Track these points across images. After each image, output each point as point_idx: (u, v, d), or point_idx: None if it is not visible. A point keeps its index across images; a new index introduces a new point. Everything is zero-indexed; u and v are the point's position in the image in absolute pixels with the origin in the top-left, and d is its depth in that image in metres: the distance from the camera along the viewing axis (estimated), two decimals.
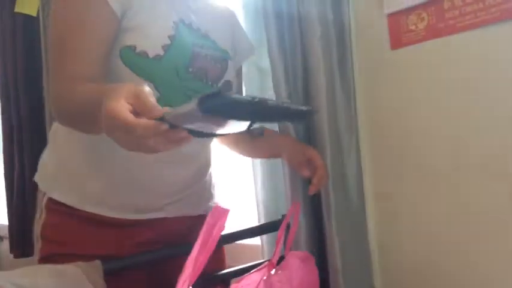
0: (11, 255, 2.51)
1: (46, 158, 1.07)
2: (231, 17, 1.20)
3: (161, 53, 0.94)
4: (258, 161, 1.39)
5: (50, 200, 1.01)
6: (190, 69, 0.99)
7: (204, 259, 0.80)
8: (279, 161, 1.36)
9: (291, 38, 1.33)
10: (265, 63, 1.36)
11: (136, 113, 0.65)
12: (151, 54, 0.93)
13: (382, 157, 1.30)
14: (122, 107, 0.65)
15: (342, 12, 1.29)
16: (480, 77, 1.11)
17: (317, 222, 1.31)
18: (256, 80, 1.41)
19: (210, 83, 1.04)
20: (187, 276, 0.77)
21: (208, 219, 0.81)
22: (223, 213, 0.86)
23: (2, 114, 2.58)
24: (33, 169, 1.08)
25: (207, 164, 1.15)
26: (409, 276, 1.26)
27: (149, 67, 0.93)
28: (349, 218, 1.27)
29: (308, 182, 1.16)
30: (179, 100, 0.97)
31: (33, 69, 2.38)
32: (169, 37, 0.96)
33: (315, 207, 1.31)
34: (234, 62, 1.13)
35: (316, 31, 1.27)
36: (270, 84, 1.34)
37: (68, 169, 1.02)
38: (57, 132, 1.06)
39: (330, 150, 1.26)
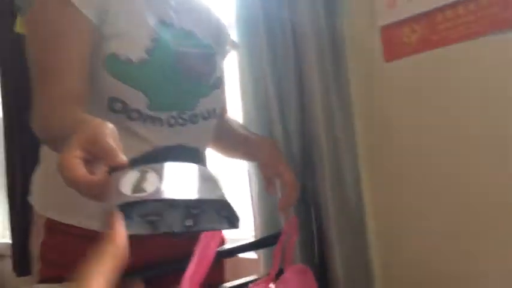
0: (14, 274, 2.51)
1: (37, 178, 1.04)
2: (212, 11, 1.17)
3: (146, 57, 0.92)
4: (253, 172, 1.39)
5: (49, 219, 0.98)
6: (178, 70, 0.97)
7: (200, 277, 0.80)
8: None
9: (284, 50, 1.33)
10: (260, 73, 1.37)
11: (95, 159, 0.63)
12: (135, 60, 0.91)
13: (381, 169, 1.31)
14: (72, 160, 0.61)
15: (335, 25, 1.30)
16: (474, 87, 1.12)
17: (312, 235, 1.32)
18: (250, 90, 1.42)
19: (200, 81, 1.01)
20: None
21: (203, 236, 0.81)
22: (213, 236, 0.86)
23: (5, 132, 2.59)
24: None
25: None
26: (410, 281, 1.26)
27: (135, 73, 0.91)
28: (349, 229, 1.27)
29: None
30: (170, 104, 0.96)
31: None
32: (151, 40, 0.94)
33: (310, 220, 1.32)
34: (221, 57, 1.10)
35: (311, 43, 1.27)
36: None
37: (60, 186, 0.98)
38: (45, 150, 1.03)
39: (328, 161, 1.26)
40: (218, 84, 1.06)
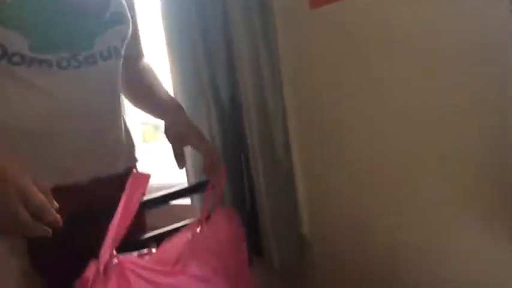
0: None
1: None
2: None
3: None
4: None
5: None
6: (61, 6, 0.88)
7: (125, 225, 0.83)
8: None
9: (212, 12, 1.33)
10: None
11: None
12: None
13: (307, 117, 1.34)
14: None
15: None
16: (399, 34, 1.13)
17: (242, 183, 1.38)
18: (179, 54, 1.41)
19: (90, 18, 0.93)
20: (110, 242, 0.81)
21: (129, 186, 0.84)
22: (143, 179, 0.89)
23: None
24: None
25: (115, 120, 1.05)
26: (336, 225, 1.34)
27: (11, 12, 0.83)
28: (277, 175, 1.32)
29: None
30: (58, 43, 0.89)
31: None
32: None
33: (241, 168, 1.37)
34: None
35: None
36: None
37: None
38: None
39: (257, 115, 1.29)
40: (118, 20, 0.98)
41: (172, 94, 1.33)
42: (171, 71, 1.43)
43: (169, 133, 1.11)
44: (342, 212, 1.32)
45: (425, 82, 1.11)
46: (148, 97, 1.16)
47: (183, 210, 1.46)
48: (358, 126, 1.24)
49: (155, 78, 1.19)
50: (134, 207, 0.84)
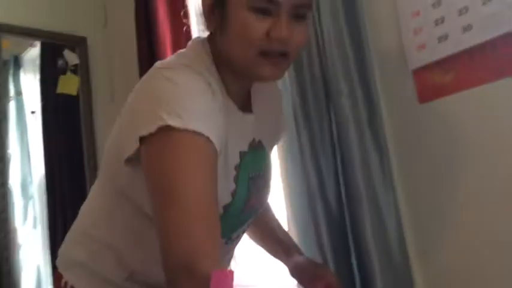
0: None
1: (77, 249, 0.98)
2: (279, 101, 1.11)
3: (221, 211, 0.85)
4: None
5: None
6: (244, 213, 0.93)
7: None
8: None
9: (316, 101, 1.33)
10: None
11: None
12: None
13: (421, 210, 1.24)
14: None
15: (366, 70, 1.27)
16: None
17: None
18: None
19: (257, 209, 0.99)
20: None
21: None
22: (225, 277, 0.79)
23: (48, 194, 2.61)
24: None
25: None
26: None
27: None
28: (393, 275, 1.21)
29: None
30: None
31: (74, 145, 2.48)
32: (231, 193, 0.88)
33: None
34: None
35: (343, 90, 1.26)
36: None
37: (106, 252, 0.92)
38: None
39: (368, 207, 1.22)
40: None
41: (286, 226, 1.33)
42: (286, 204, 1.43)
43: (300, 275, 1.08)
44: None
45: None
46: (270, 237, 1.17)
47: None
48: (475, 220, 1.14)
49: (276, 220, 1.19)
50: None
